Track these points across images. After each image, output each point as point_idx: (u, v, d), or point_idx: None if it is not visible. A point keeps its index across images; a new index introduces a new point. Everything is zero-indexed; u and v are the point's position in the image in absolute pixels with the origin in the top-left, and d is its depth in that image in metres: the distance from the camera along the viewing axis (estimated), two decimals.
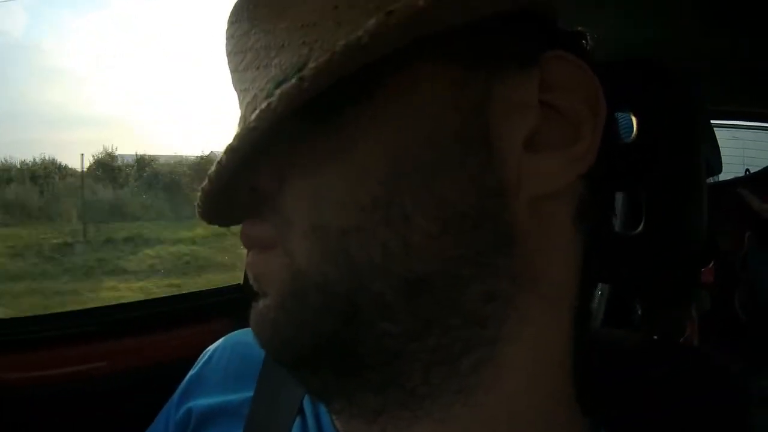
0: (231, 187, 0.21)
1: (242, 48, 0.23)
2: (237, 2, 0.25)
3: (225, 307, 0.79)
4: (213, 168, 0.20)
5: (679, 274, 0.32)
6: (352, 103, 0.20)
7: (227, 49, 0.25)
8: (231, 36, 0.24)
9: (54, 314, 0.83)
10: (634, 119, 0.30)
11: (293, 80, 0.17)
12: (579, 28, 0.25)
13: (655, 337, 0.34)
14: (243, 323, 0.39)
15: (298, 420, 0.30)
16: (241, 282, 0.81)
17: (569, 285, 0.23)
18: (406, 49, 0.18)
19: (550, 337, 0.23)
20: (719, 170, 0.79)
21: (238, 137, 0.19)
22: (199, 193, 0.23)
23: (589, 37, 0.25)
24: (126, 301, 1.33)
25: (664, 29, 0.72)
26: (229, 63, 0.25)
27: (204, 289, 0.91)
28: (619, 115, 0.29)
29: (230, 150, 0.20)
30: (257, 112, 0.18)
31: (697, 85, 0.59)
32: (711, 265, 0.76)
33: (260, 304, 0.23)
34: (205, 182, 0.21)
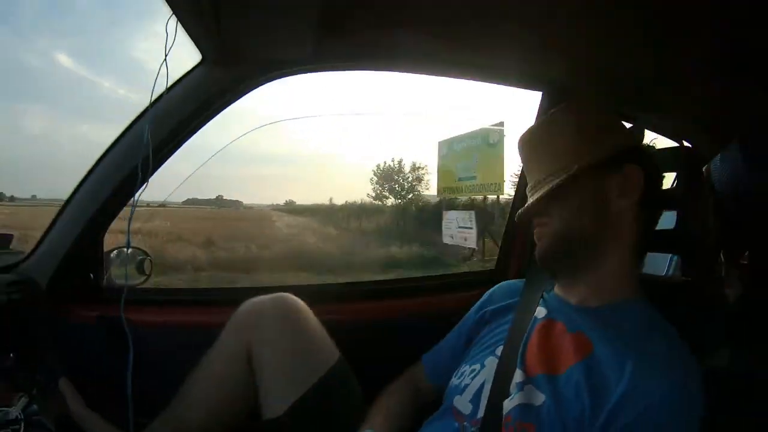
0: (533, 209, 0.77)
1: (532, 153, 0.79)
2: (531, 129, 0.79)
3: (478, 284, 1.17)
4: (536, 197, 0.75)
5: (695, 246, 0.79)
6: (569, 187, 0.73)
7: (523, 149, 0.81)
8: (526, 143, 0.80)
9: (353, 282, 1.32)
10: (674, 176, 0.79)
11: (563, 174, 0.72)
12: (648, 144, 0.80)
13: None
14: None
15: (541, 301, 0.81)
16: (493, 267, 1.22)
17: (632, 242, 0.75)
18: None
19: (622, 260, 0.75)
20: None
21: (545, 192, 0.74)
22: (521, 210, 0.78)
23: (652, 147, 0.83)
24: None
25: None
26: (523, 158, 0.81)
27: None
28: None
29: (544, 195, 0.74)
30: (547, 187, 0.74)
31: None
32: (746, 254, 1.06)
33: (539, 245, 0.77)
34: (527, 205, 0.77)
